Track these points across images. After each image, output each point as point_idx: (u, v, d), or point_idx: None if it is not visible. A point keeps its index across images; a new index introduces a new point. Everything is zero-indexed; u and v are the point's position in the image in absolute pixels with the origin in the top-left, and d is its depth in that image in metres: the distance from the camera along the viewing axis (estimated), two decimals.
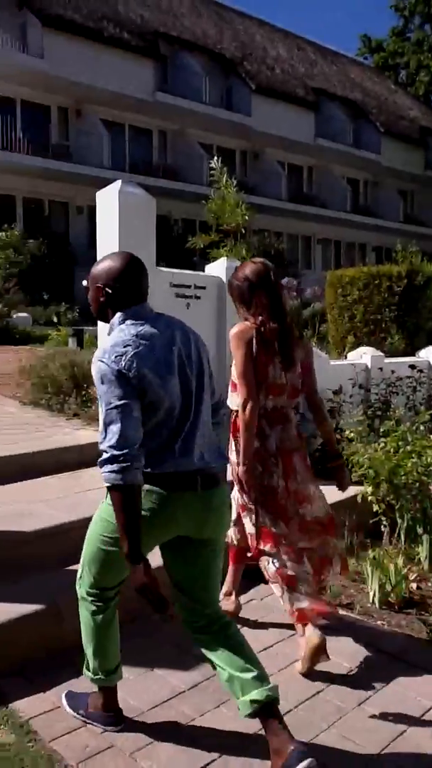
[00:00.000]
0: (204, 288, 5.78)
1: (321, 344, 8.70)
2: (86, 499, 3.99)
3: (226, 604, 3.19)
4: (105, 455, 2.09)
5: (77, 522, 3.57)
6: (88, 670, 2.46)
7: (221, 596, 2.82)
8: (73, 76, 18.53)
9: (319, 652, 2.81)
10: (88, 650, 2.43)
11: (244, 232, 6.97)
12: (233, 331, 3.01)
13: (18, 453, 4.57)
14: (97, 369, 2.14)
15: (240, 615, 3.35)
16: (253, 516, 3.00)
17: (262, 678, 2.26)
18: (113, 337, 2.22)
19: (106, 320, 2.34)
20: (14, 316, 13.74)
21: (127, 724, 2.51)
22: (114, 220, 5.19)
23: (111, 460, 2.07)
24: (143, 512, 2.13)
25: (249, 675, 2.24)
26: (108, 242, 5.26)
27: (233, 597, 3.34)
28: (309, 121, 25.24)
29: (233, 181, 6.88)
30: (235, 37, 24.96)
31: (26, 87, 18.87)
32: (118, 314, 2.28)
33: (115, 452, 2.06)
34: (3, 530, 3.42)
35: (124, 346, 2.15)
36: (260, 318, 3.00)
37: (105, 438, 2.09)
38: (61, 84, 18.78)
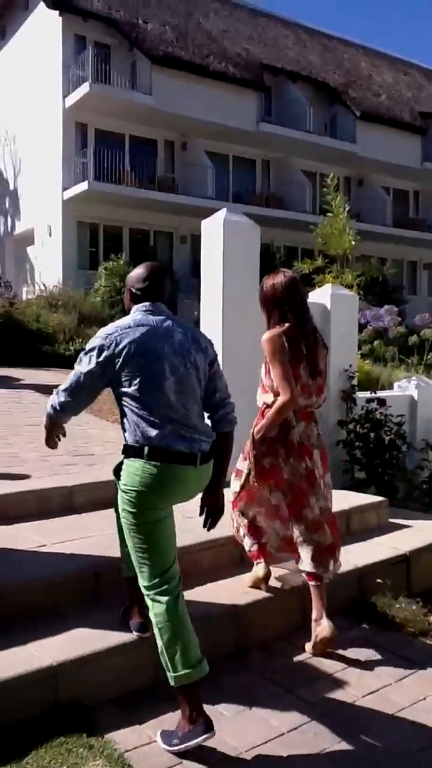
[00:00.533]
0: None
1: (428, 372, 8.38)
2: (186, 527, 3.95)
3: (320, 629, 3.16)
4: (59, 398, 2.66)
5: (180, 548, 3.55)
6: (172, 670, 2.49)
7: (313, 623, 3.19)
8: (179, 111, 19.06)
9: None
10: (169, 647, 2.50)
11: (349, 258, 6.85)
12: (265, 338, 3.27)
13: None
14: (94, 336, 2.64)
15: (346, 655, 3.20)
16: (243, 478, 3.41)
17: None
18: (116, 321, 2.68)
19: (128, 312, 2.78)
20: None
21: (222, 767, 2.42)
22: (218, 248, 5.22)
23: (58, 406, 2.68)
24: (157, 485, 2.53)
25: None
26: (212, 269, 5.29)
27: (323, 621, 3.19)
28: (416, 146, 24.75)
29: (345, 207, 6.80)
30: (340, 65, 24.96)
31: (135, 123, 19.58)
32: (135, 306, 2.74)
33: (62, 402, 2.67)
34: (105, 556, 3.42)
35: (115, 327, 2.61)
36: (287, 325, 3.26)
37: (65, 388, 2.64)
38: (167, 119, 19.35)
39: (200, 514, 2.86)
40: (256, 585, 3.45)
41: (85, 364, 2.59)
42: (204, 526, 2.87)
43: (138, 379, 2.54)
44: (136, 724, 2.62)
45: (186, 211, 18.75)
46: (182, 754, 2.44)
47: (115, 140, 19.67)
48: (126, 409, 2.60)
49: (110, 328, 2.63)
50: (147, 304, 2.71)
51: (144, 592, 2.59)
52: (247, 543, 3.53)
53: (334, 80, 23.73)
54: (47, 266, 19.21)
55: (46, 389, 8.88)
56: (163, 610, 2.51)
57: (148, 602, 2.58)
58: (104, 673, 2.77)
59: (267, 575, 3.44)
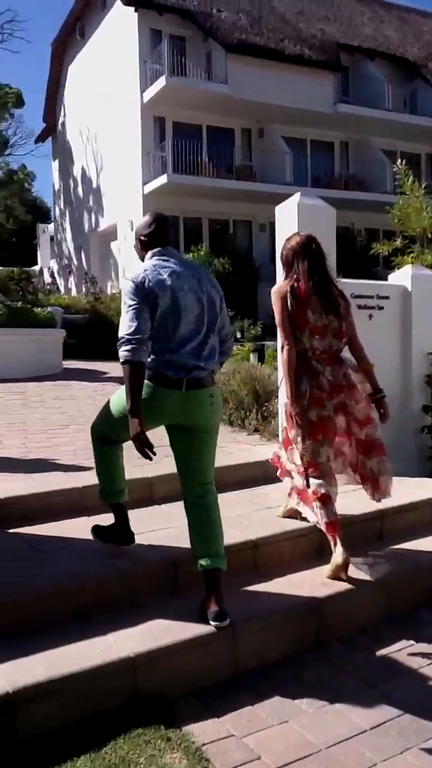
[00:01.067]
0: (387, 298, 5.51)
1: None
2: (263, 518, 3.91)
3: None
4: (122, 340, 2.83)
5: (249, 542, 3.52)
6: (103, 494, 3.35)
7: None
8: (255, 98, 18.87)
9: (342, 569, 3.35)
10: (101, 478, 3.33)
11: (430, 237, 6.59)
12: (272, 290, 3.63)
13: None
14: (124, 285, 2.99)
15: (429, 651, 3.08)
16: (300, 446, 3.50)
17: (216, 553, 2.96)
18: (141, 266, 3.03)
19: (143, 260, 3.13)
20: None
21: (301, 762, 2.37)
22: (293, 232, 5.11)
23: (126, 343, 2.81)
24: (147, 398, 2.86)
25: (207, 544, 2.97)
26: None
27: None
28: None
29: (420, 185, 6.54)
30: (419, 39, 24.06)
31: (211, 113, 19.54)
32: (149, 253, 3.10)
33: (128, 337, 2.82)
34: (184, 547, 3.42)
35: (144, 271, 2.96)
36: (294, 277, 3.58)
37: (123, 328, 2.84)
38: (244, 106, 19.21)
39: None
40: (335, 575, 3.36)
41: (130, 302, 2.89)
42: None
43: (160, 311, 2.89)
44: (215, 718, 2.60)
45: (264, 199, 18.56)
46: (258, 748, 2.40)
47: (193, 131, 19.70)
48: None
49: (138, 271, 2.97)
50: (158, 249, 3.08)
51: (92, 439, 3.31)
52: (321, 516, 3.47)
53: (413, 54, 22.89)
54: (130, 261, 19.50)
55: None
56: (98, 449, 3.30)
57: (93, 447, 3.32)
58: (183, 664, 2.76)
59: (346, 563, 3.36)
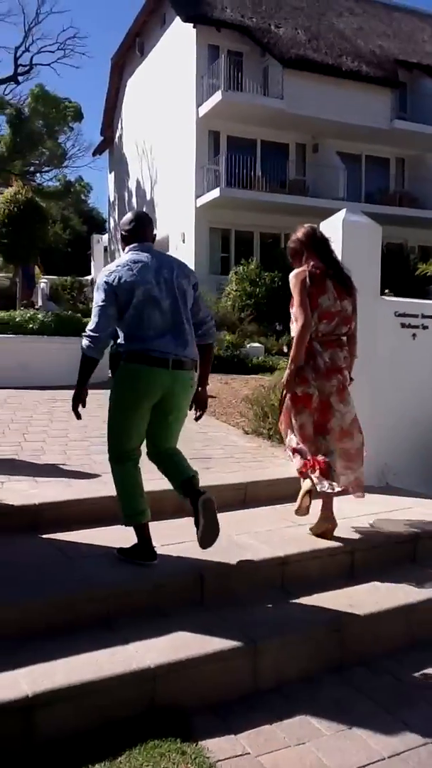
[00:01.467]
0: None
1: None
2: (294, 534, 3.89)
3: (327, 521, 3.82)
4: (85, 334, 3.27)
5: (277, 559, 3.50)
6: (125, 517, 3.38)
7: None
8: (310, 113, 18.89)
9: (331, 531, 3.79)
10: (122, 503, 3.37)
11: None
12: (291, 275, 3.87)
13: (231, 482, 4.61)
14: (99, 279, 3.32)
15: (424, 688, 3.01)
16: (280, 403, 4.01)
17: (185, 470, 3.38)
18: (116, 261, 3.37)
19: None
20: (248, 346, 14.18)
21: None
22: (337, 249, 5.09)
23: (86, 338, 3.26)
24: (130, 382, 3.26)
25: (179, 473, 3.39)
26: None
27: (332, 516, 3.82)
28: None
29: None
30: None
31: (266, 127, 19.64)
32: (127, 247, 3.43)
33: (89, 333, 3.25)
34: (212, 560, 3.43)
35: (117, 267, 3.29)
36: (311, 263, 3.85)
37: (89, 324, 3.27)
38: (299, 121, 19.25)
39: (190, 409, 3.53)
40: (317, 531, 3.81)
41: (99, 300, 3.28)
42: (195, 419, 3.65)
43: (136, 305, 3.22)
44: (231, 734, 2.58)
45: (317, 214, 18.37)
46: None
47: (247, 146, 19.82)
48: (123, 326, 3.29)
49: (112, 266, 3.34)
50: (136, 244, 3.41)
51: (109, 461, 3.42)
52: (297, 461, 3.87)
53: None
54: None
55: None
56: (116, 473, 3.38)
57: (111, 468, 3.42)
58: (203, 678, 2.76)
59: (333, 527, 3.80)
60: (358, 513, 4.36)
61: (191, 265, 19.00)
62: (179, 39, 19.96)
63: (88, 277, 28.75)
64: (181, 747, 2.47)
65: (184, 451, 5.56)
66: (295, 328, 3.81)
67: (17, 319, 9.62)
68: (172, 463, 3.45)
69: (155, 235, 3.61)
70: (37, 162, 33.39)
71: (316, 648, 3.03)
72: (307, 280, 3.79)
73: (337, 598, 3.34)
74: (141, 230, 3.46)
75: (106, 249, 29.82)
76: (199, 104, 18.97)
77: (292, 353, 3.82)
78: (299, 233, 3.98)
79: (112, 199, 27.88)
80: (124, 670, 2.63)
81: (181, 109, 19.84)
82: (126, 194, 25.55)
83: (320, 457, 3.76)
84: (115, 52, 25.02)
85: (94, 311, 3.27)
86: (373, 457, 5.10)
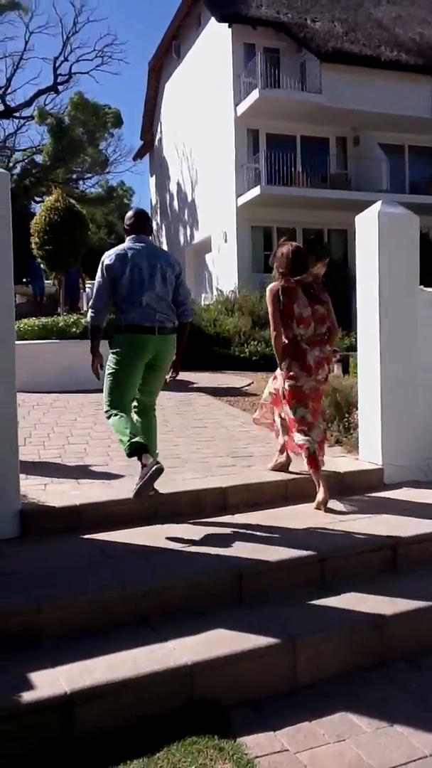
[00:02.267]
0: None
1: None
2: (333, 531, 3.85)
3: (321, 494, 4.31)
4: (87, 309, 4.37)
5: (315, 556, 3.47)
6: (127, 450, 3.87)
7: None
8: (350, 106, 18.66)
9: (323, 505, 4.29)
10: (122, 439, 3.92)
11: None
12: (267, 288, 4.54)
13: (272, 480, 4.60)
14: (101, 262, 4.15)
15: None
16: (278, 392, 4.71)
17: (148, 443, 4.05)
18: (116, 247, 4.23)
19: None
20: None
21: None
22: (374, 241, 5.05)
23: (90, 311, 4.20)
24: (128, 347, 4.06)
25: (149, 441, 4.12)
26: (367, 264, 5.13)
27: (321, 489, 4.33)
28: None
29: None
30: None
31: (305, 123, 19.48)
32: (128, 238, 4.25)
33: (91, 308, 4.19)
34: (250, 558, 3.42)
35: (115, 252, 4.16)
36: (283, 278, 4.47)
37: (91, 301, 4.22)
38: (338, 115, 19.03)
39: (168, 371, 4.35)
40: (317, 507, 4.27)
41: (99, 279, 4.13)
42: (168, 379, 4.42)
43: (127, 284, 4.05)
44: (270, 731, 2.57)
45: (360, 207, 17.95)
46: (312, 765, 2.36)
47: (286, 142, 19.69)
48: (118, 300, 4.08)
49: (112, 252, 4.17)
50: (134, 236, 4.23)
51: (105, 415, 4.11)
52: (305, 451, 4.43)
53: None
54: (223, 272, 19.71)
55: (216, 392, 9.11)
56: (114, 421, 4.00)
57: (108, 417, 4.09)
58: (241, 675, 2.76)
59: (326, 500, 4.28)
60: (401, 507, 4.30)
61: (234, 264, 19.13)
62: (215, 39, 19.98)
63: None
64: (219, 743, 2.47)
65: (226, 448, 5.64)
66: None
67: (60, 324, 9.78)
68: (150, 427, 4.33)
69: (153, 228, 4.45)
70: (80, 169, 33.82)
71: (356, 644, 2.99)
72: (280, 294, 4.43)
73: (378, 594, 3.29)
74: (140, 225, 4.28)
75: None
76: (236, 103, 18.94)
77: (277, 358, 4.55)
78: (283, 249, 4.56)
79: (153, 202, 28.09)
80: (162, 667, 2.65)
81: (219, 109, 19.84)
82: (167, 196, 25.71)
83: (306, 443, 4.40)
84: (152, 57, 25.20)
85: (95, 288, 4.19)
86: (419, 450, 5.03)
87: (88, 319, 4.22)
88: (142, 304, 4.05)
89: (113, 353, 4.11)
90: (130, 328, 4.06)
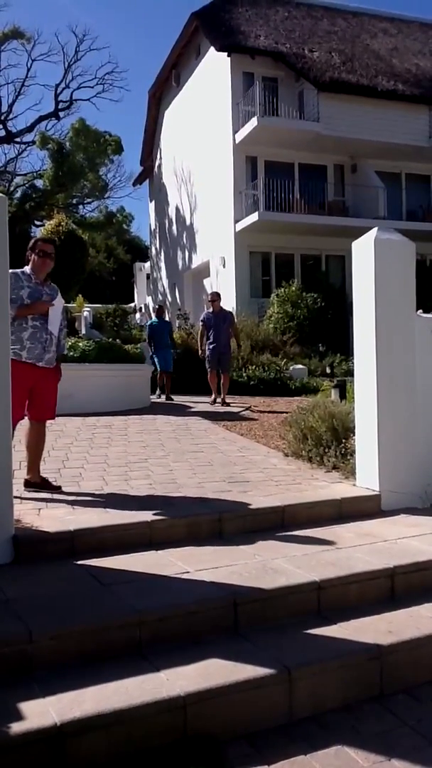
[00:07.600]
0: None
1: None
2: (331, 559, 3.80)
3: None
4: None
5: (313, 584, 3.42)
6: None
7: None
8: (347, 134, 18.93)
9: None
10: None
11: None
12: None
13: (269, 506, 4.55)
14: None
15: None
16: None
17: None
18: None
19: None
20: (291, 368, 14.12)
21: None
22: (370, 267, 5.06)
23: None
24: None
25: None
26: (364, 290, 5.13)
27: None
28: None
29: None
30: None
31: (303, 150, 19.73)
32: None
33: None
34: (247, 585, 3.37)
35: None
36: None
37: None
38: (336, 143, 19.29)
39: None
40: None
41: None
42: None
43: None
44: (265, 765, 2.51)
45: (357, 234, 18.13)
46: None
47: (284, 169, 19.93)
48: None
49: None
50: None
51: None
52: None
53: None
54: (222, 296, 19.79)
55: (214, 416, 9.08)
56: None
57: None
58: (236, 707, 2.70)
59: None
60: (401, 535, 4.25)
61: (233, 289, 19.43)
62: (214, 68, 20.29)
63: (132, 305, 29.17)
64: None
65: (223, 474, 5.60)
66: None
67: None
68: None
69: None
70: (80, 194, 34.14)
71: (355, 675, 2.93)
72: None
73: (377, 624, 3.24)
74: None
75: (148, 276, 30.29)
76: (235, 131, 19.19)
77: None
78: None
79: (153, 227, 28.30)
80: (154, 698, 2.58)
81: (217, 136, 20.09)
82: (166, 221, 25.91)
83: None
84: (152, 85, 25.58)
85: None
86: (417, 477, 4.99)
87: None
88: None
89: None
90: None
